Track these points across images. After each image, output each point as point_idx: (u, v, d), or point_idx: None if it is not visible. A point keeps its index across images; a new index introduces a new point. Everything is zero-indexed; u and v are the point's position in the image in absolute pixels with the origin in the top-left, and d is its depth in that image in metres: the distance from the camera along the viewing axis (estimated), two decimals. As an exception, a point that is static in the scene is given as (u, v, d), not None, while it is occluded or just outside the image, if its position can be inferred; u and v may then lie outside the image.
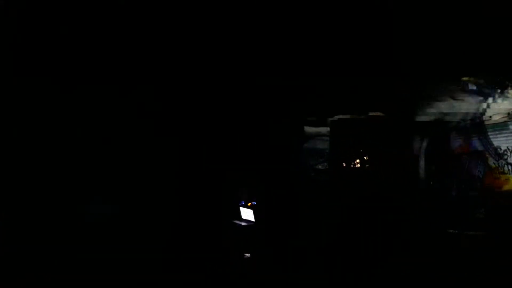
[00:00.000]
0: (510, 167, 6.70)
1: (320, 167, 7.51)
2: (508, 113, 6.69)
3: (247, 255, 6.17)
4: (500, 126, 6.88)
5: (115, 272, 4.96)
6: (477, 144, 7.18)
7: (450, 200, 7.09)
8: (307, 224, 6.57)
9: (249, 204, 6.84)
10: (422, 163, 7.77)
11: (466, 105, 6.95)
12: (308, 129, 7.84)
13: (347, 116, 7.70)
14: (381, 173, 7.42)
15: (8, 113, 5.64)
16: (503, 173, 6.72)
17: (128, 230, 5.78)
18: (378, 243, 6.11)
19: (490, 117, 6.98)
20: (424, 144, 7.76)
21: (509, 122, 6.70)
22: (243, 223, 6.75)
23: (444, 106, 7.12)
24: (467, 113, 7.19)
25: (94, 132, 6.09)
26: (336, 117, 7.72)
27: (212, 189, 6.83)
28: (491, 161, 6.88)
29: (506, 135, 6.76)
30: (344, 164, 7.69)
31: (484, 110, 6.91)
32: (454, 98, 6.98)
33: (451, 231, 6.24)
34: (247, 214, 6.79)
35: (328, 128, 7.81)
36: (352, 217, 6.59)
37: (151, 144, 6.46)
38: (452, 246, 5.92)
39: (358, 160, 7.70)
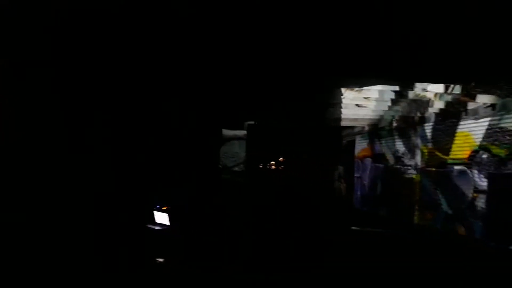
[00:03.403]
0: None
1: (236, 169, 7.57)
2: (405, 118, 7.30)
3: (160, 260, 5.92)
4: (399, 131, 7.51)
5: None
6: (379, 147, 7.73)
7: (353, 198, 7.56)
8: (225, 224, 6.56)
9: (164, 208, 6.61)
10: (333, 165, 8.21)
11: (370, 111, 7.49)
12: (225, 132, 7.85)
13: (264, 121, 7.88)
14: (295, 175, 7.70)
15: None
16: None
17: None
18: (297, 241, 6.31)
19: (393, 122, 7.55)
20: (334, 148, 8.22)
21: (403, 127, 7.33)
22: (157, 227, 6.49)
23: (348, 113, 7.59)
24: (370, 119, 7.74)
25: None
26: (253, 122, 7.85)
27: (126, 194, 6.55)
28: (391, 163, 7.49)
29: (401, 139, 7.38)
30: (260, 167, 7.82)
31: (389, 116, 7.47)
32: (357, 105, 7.47)
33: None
34: (161, 218, 6.54)
35: (245, 132, 7.90)
36: (269, 215, 6.73)
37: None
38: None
39: (273, 163, 7.89)
